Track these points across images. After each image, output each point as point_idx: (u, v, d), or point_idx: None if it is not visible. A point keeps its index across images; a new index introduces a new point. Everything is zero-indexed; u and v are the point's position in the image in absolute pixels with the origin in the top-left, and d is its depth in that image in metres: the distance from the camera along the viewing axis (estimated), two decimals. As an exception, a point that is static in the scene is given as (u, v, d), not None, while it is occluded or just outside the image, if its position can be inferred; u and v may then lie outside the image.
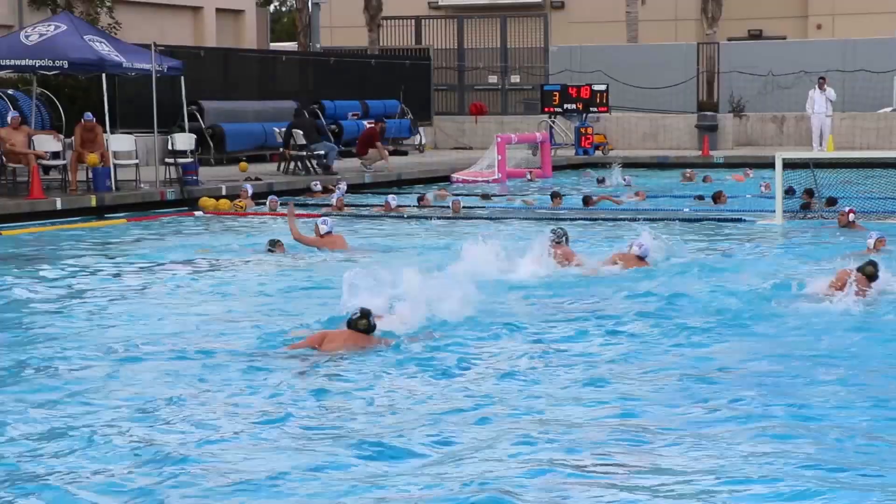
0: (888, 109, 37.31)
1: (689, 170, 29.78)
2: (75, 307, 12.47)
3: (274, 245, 16.14)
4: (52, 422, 8.03)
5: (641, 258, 14.08)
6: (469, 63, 44.07)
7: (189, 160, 24.12)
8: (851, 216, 18.01)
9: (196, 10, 40.29)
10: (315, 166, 27.91)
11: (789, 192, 20.90)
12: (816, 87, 34.00)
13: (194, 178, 23.66)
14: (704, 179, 28.08)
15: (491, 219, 20.80)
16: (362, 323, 9.86)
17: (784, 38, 45.90)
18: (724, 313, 11.60)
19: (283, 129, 28.64)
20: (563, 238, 14.45)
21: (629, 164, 33.66)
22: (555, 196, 22.84)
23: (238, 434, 7.72)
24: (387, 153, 30.56)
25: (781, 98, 39.02)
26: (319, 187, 24.93)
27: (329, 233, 16.20)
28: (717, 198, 22.49)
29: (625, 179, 27.71)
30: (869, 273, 11.86)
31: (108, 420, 8.04)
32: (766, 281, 12.96)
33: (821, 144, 33.45)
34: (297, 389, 8.81)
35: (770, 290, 12.52)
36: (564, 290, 12.91)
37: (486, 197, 24.45)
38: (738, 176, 28.80)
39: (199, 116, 29.69)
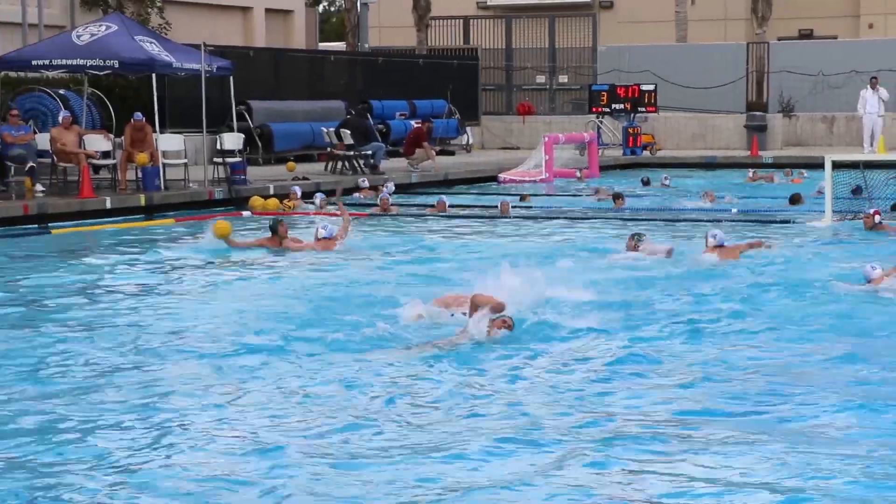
0: (941, 110, 36.95)
1: (752, 170, 29.53)
2: (146, 303, 12.60)
3: (276, 224, 16.46)
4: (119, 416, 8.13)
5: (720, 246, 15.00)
6: (517, 63, 44.05)
7: (237, 160, 24.26)
8: (878, 217, 17.82)
9: (246, 10, 40.51)
10: (362, 166, 27.99)
11: (857, 191, 20.77)
12: (868, 86, 33.73)
13: (242, 177, 23.80)
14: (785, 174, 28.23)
15: (537, 218, 20.79)
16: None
17: (835, 37, 45.52)
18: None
19: (332, 130, 28.72)
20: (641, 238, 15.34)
21: (677, 165, 33.59)
22: (617, 197, 22.67)
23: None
24: (434, 153, 30.59)
25: (832, 98, 38.73)
26: (367, 184, 25.03)
27: (326, 238, 16.29)
28: (795, 200, 22.13)
29: (665, 179, 27.51)
30: None
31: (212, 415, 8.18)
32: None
33: (871, 145, 33.16)
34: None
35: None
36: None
37: (523, 198, 24.24)
38: (796, 179, 28.50)
39: (247, 116, 29.86)
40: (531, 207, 22.84)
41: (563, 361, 9.71)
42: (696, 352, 10.14)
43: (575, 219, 20.68)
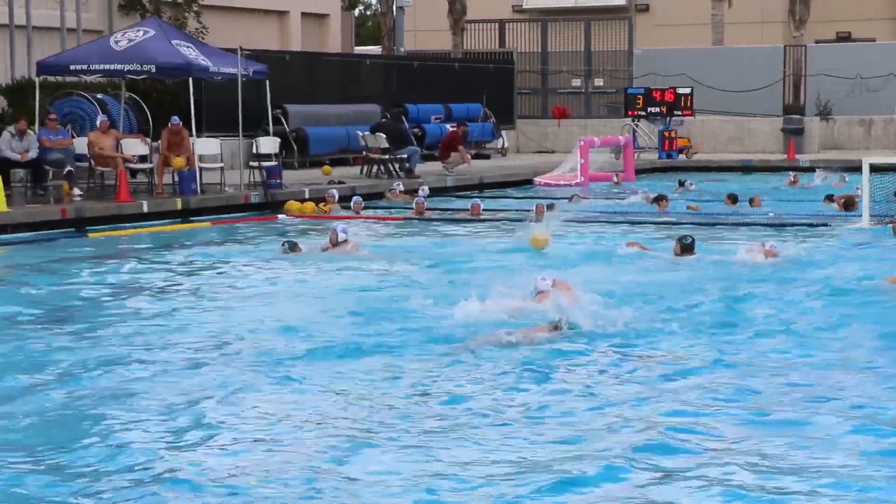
0: None
1: (793, 173, 29.28)
2: (180, 304, 12.69)
3: (292, 248, 16.32)
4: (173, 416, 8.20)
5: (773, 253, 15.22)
6: (552, 66, 43.99)
7: (273, 164, 24.34)
8: None
9: (282, 14, 40.65)
10: (398, 170, 28.03)
11: None
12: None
13: (278, 181, 23.88)
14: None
15: (576, 221, 20.74)
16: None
17: (873, 40, 45.23)
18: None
19: (367, 133, 28.76)
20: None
21: (713, 168, 33.46)
22: (660, 199, 22.57)
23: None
24: (469, 157, 30.58)
25: (870, 101, 38.48)
26: (401, 187, 25.05)
27: (346, 241, 16.28)
28: (847, 204, 21.88)
29: (690, 185, 27.30)
30: None
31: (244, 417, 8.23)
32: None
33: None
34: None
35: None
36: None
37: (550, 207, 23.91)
38: (836, 183, 28.27)
39: (283, 120, 29.95)
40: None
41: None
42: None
43: (615, 223, 20.60)
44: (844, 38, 47.10)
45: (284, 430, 7.94)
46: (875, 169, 20.49)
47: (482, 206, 21.78)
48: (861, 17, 47.20)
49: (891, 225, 18.08)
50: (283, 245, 16.56)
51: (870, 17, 47.30)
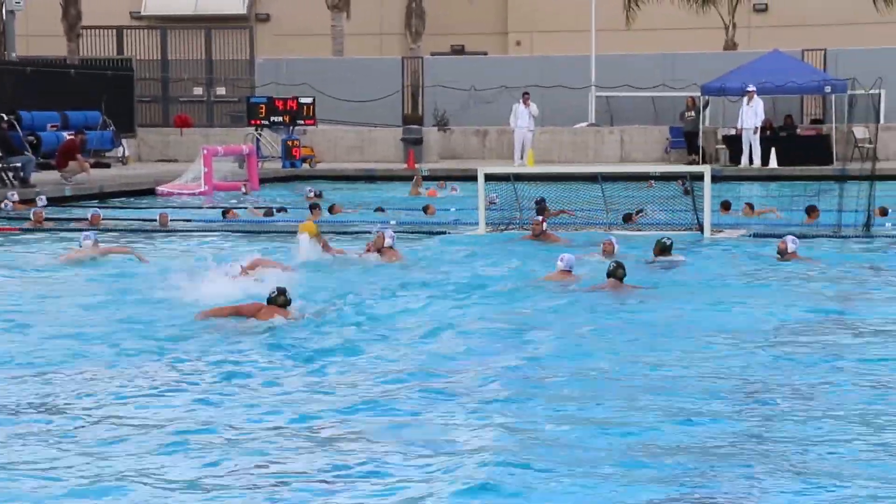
0: (584, 125, 38.78)
1: (417, 176, 30.01)
2: None
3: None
4: None
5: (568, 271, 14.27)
6: (173, 74, 43.38)
7: None
8: (545, 225, 18.51)
9: None
10: (11, 179, 26.90)
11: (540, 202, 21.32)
12: (521, 101, 35.04)
13: None
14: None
15: (198, 231, 20.59)
16: (280, 299, 11.67)
17: (485, 53, 47.11)
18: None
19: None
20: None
21: (336, 177, 33.92)
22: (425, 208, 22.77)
23: None
24: (88, 165, 29.79)
25: (484, 112, 39.98)
26: (16, 197, 24.06)
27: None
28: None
29: (309, 193, 27.54)
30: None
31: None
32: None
33: (522, 158, 34.47)
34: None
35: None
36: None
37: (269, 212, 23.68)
38: (431, 191, 29.10)
39: None
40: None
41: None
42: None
43: (248, 232, 20.58)
44: (459, 50, 48.82)
45: None
46: (490, 178, 21.33)
47: (102, 216, 21.23)
48: (474, 31, 49.05)
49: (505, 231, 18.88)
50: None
51: (482, 32, 49.24)
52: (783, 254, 16.01)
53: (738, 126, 33.83)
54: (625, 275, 13.56)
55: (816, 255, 16.59)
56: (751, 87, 33.37)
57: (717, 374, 9.78)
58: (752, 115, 33.39)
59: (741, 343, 10.97)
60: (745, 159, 33.68)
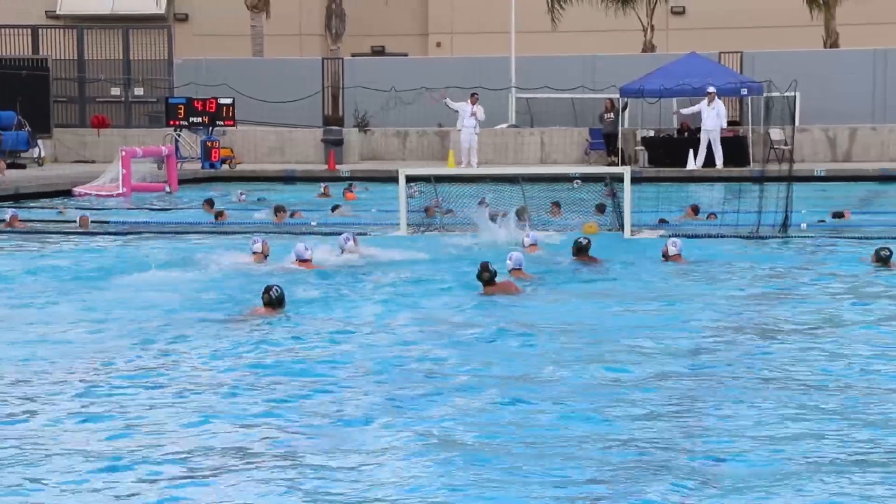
0: (504, 126, 38.91)
1: (325, 184, 29.83)
2: None
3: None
4: None
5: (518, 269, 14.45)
6: (90, 74, 42.85)
7: None
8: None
9: None
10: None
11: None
12: (468, 101, 35.07)
13: None
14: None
15: (120, 234, 20.43)
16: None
17: (406, 54, 47.10)
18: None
19: None
20: None
21: (256, 178, 33.74)
22: (278, 210, 22.49)
23: None
24: (3, 166, 29.40)
25: (404, 113, 39.94)
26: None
27: None
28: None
29: (241, 195, 27.46)
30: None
31: None
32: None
33: (474, 159, 34.30)
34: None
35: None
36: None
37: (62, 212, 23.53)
38: (350, 195, 29.00)
39: None
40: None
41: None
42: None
43: (168, 233, 20.45)
44: (379, 52, 48.78)
45: None
46: (411, 179, 21.34)
47: (20, 217, 21.00)
48: (394, 32, 49.05)
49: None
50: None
51: (402, 33, 49.24)
52: (666, 256, 16.22)
53: (706, 127, 33.23)
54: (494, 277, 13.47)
55: (710, 258, 16.75)
56: (711, 89, 33.35)
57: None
58: (713, 116, 33.40)
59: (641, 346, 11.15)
60: (698, 161, 33.30)
